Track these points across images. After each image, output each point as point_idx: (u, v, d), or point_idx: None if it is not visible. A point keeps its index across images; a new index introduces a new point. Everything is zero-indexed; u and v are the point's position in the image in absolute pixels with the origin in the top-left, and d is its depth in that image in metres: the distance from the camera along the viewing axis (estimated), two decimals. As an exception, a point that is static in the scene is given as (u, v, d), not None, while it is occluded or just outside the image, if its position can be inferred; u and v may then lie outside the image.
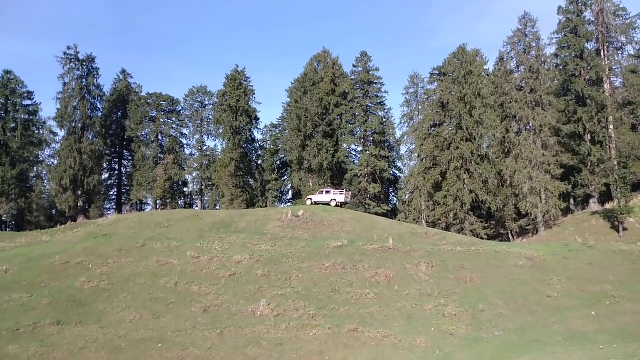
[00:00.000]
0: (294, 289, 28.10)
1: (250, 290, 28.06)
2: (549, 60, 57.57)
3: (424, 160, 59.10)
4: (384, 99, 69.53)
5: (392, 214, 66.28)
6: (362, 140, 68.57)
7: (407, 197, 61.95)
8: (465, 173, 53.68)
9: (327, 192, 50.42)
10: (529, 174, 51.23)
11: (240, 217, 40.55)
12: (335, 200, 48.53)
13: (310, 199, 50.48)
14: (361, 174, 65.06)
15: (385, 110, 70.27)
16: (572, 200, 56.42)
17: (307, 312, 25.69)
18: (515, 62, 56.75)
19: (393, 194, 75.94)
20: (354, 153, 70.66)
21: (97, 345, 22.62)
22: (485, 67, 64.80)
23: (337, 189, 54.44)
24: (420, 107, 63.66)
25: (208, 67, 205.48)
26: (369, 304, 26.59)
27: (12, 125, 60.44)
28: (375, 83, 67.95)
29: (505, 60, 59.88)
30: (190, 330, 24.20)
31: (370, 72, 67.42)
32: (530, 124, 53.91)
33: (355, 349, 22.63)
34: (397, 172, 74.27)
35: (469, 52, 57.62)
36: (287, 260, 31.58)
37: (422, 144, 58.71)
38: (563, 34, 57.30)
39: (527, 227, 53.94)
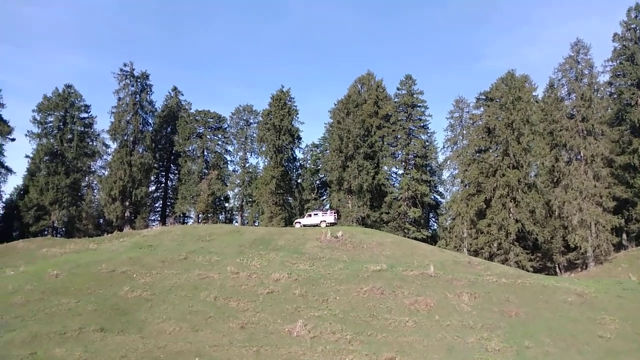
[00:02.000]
0: (330, 311, 27.79)
1: (287, 309, 27.98)
2: (602, 89, 55.65)
3: (467, 186, 57.77)
4: (427, 122, 69.01)
5: (432, 239, 64.84)
6: (403, 163, 67.95)
7: (448, 223, 60.59)
8: (511, 201, 52.01)
9: (314, 214, 51.35)
10: (579, 205, 49.14)
11: (279, 235, 40.82)
12: (325, 221, 49.22)
13: (299, 222, 50.84)
14: (401, 197, 64.30)
15: (428, 134, 69.64)
16: (624, 235, 53.56)
17: (344, 336, 25.28)
18: (566, 89, 55.16)
19: (433, 219, 74.44)
20: (395, 176, 70.14)
21: (137, 354, 23.06)
22: (534, 94, 63.25)
23: (323, 210, 54.78)
24: (464, 132, 62.66)
25: (255, 86, 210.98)
26: (408, 333, 25.89)
27: (69, 137, 63.72)
28: (419, 106, 67.57)
29: (555, 87, 58.31)
30: (227, 346, 24.29)
31: (414, 95, 67.19)
32: (582, 154, 51.95)
33: (392, 378, 22.01)
34: (438, 197, 72.91)
35: (517, 78, 56.52)
36: (325, 281, 31.37)
37: (466, 170, 57.53)
38: (618, 61, 55.53)
39: (576, 261, 51.45)
